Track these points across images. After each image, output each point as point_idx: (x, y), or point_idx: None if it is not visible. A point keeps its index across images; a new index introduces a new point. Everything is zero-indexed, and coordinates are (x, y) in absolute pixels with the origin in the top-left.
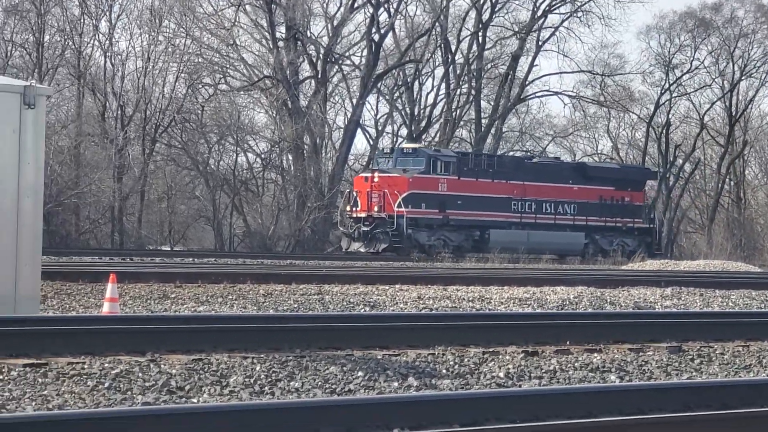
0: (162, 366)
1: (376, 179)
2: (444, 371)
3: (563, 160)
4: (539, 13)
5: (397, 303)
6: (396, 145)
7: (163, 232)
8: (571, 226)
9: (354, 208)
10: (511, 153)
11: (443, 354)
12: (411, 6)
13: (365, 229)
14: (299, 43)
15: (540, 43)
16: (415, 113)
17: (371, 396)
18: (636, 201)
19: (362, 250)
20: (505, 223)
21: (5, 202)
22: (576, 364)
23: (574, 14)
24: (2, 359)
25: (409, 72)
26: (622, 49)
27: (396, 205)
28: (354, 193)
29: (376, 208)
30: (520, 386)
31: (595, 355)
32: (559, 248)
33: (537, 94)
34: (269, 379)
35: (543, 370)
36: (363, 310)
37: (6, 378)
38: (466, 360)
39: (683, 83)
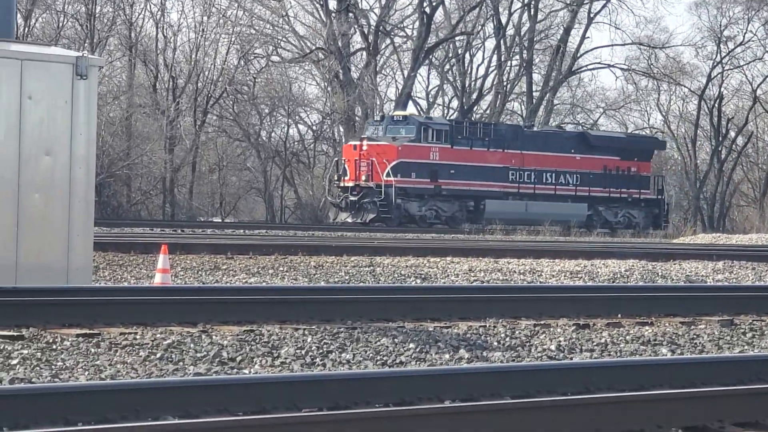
0: (214, 337)
1: (364, 147)
2: (495, 343)
3: (566, 129)
4: None
5: (448, 275)
6: (389, 113)
7: (214, 204)
8: (572, 197)
9: (343, 178)
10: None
11: (494, 326)
12: None
13: (353, 198)
14: (351, 14)
15: (591, 15)
16: (466, 86)
17: (423, 368)
18: (643, 171)
19: (349, 220)
20: (502, 194)
21: (58, 172)
22: (627, 337)
23: None
24: (56, 329)
25: (460, 44)
26: (673, 21)
27: (384, 174)
28: (343, 162)
29: (363, 177)
30: (571, 359)
31: (647, 328)
32: (560, 220)
33: (588, 67)
34: (320, 351)
35: (594, 343)
36: (414, 282)
37: (59, 348)
38: (517, 332)
39: (736, 56)
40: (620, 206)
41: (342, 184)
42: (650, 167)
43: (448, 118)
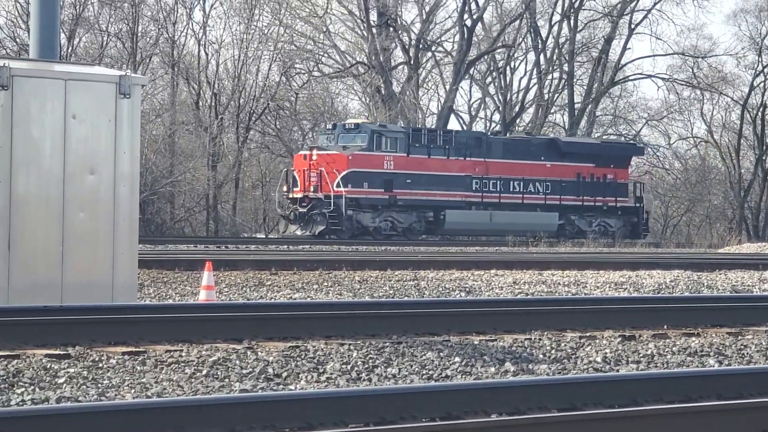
0: (259, 353)
1: (314, 157)
2: (541, 356)
3: (535, 136)
4: None
5: (492, 288)
6: (340, 122)
7: (257, 220)
8: (542, 206)
9: (294, 189)
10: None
11: (540, 339)
12: None
13: (302, 210)
14: (392, 29)
15: (632, 26)
16: (508, 98)
17: (468, 382)
18: (620, 178)
19: (298, 233)
20: (463, 203)
21: (102, 190)
22: (674, 349)
23: None
24: (102, 347)
25: (501, 57)
26: (712, 31)
27: (334, 184)
28: (293, 173)
29: (312, 188)
30: (617, 371)
31: (693, 339)
32: (528, 230)
33: (630, 78)
34: (366, 366)
35: (640, 355)
36: (459, 295)
37: (105, 366)
38: (562, 345)
39: None
40: (595, 215)
41: (291, 196)
42: (628, 174)
43: (403, 125)
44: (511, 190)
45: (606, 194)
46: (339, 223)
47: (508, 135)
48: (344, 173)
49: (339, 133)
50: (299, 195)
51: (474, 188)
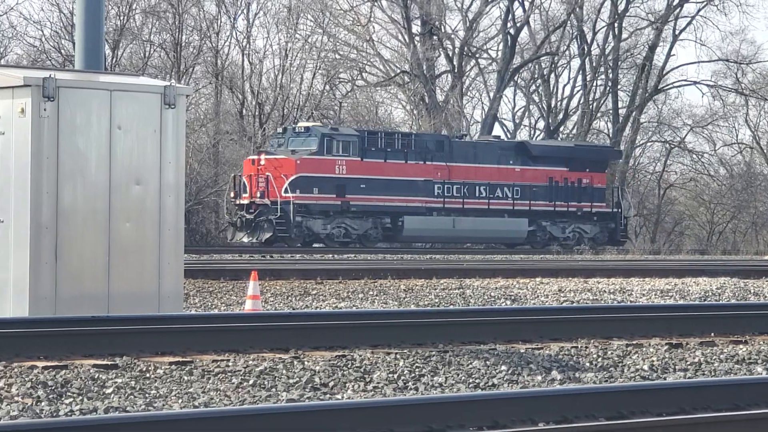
0: (306, 363)
1: (262, 162)
2: (587, 364)
3: (504, 139)
4: (675, 2)
5: (538, 296)
6: (289, 125)
7: None
8: (510, 212)
9: (242, 195)
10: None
11: (586, 347)
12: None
13: (249, 217)
14: (435, 37)
15: (676, 33)
16: (552, 105)
17: (515, 390)
18: (596, 183)
19: (245, 240)
20: (424, 209)
21: (148, 201)
22: (721, 356)
23: (711, 3)
24: (149, 357)
25: (546, 64)
26: (756, 36)
27: (282, 190)
28: (241, 179)
29: (258, 194)
30: (665, 379)
31: (741, 346)
32: (495, 237)
33: (674, 84)
34: (413, 375)
35: (688, 363)
36: (504, 303)
37: (153, 376)
38: (609, 353)
39: None
40: (569, 221)
41: (239, 202)
42: (605, 179)
43: (357, 128)
44: (477, 195)
45: (581, 199)
46: (287, 230)
47: (470, 139)
48: (292, 178)
49: (289, 137)
50: (246, 201)
51: (436, 193)
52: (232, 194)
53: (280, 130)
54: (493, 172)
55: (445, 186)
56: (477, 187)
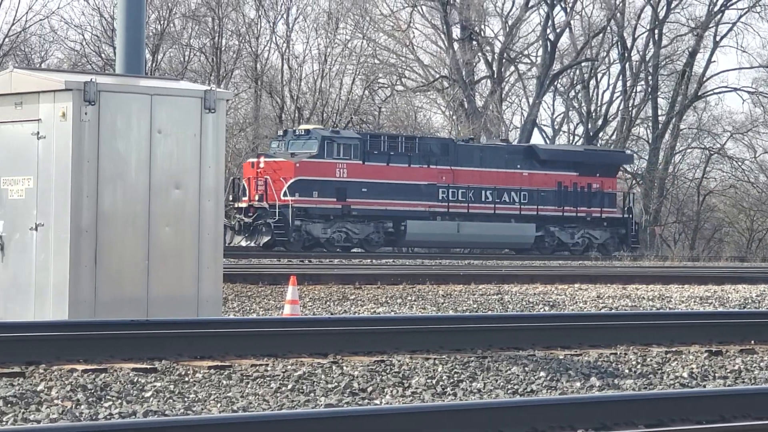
0: (344, 368)
1: (261, 165)
2: (626, 371)
3: (513, 143)
4: (716, 8)
5: (576, 302)
6: (291, 128)
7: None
8: (517, 217)
9: (242, 198)
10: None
11: (625, 354)
12: (587, 5)
13: (247, 220)
14: (475, 42)
15: (717, 39)
16: (591, 112)
17: (554, 396)
18: (607, 188)
19: (243, 243)
20: (427, 213)
21: (187, 205)
22: (761, 364)
23: (752, 9)
24: (188, 361)
25: (585, 70)
26: None
27: (281, 193)
28: (241, 182)
29: (257, 197)
30: (704, 386)
31: None
32: (501, 242)
33: (714, 91)
34: (451, 380)
35: (727, 370)
36: (543, 309)
37: (191, 380)
38: (648, 360)
39: None
40: (578, 226)
41: (237, 205)
42: (616, 183)
43: (359, 131)
44: (483, 199)
45: (591, 204)
46: (285, 234)
47: (482, 142)
48: (291, 181)
49: (289, 139)
50: (245, 204)
51: (440, 197)
52: (230, 197)
53: (280, 132)
54: (499, 177)
55: (450, 190)
56: (483, 192)
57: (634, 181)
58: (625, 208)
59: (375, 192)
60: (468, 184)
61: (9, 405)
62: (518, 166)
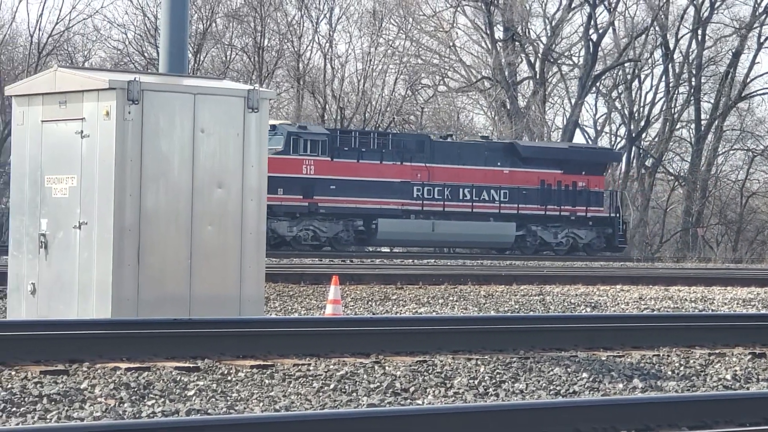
0: (386, 368)
1: None
2: (669, 373)
3: (493, 140)
4: (761, 9)
5: (618, 303)
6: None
7: None
8: (496, 215)
9: None
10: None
11: (668, 355)
12: (630, 5)
13: None
14: (517, 43)
15: (761, 40)
16: (634, 112)
17: (597, 398)
18: (593, 186)
19: None
20: (399, 212)
21: (230, 204)
22: None
23: None
24: (230, 360)
25: (628, 71)
26: None
27: None
28: None
29: None
30: (747, 389)
31: None
32: (479, 241)
33: (758, 92)
34: (493, 381)
35: None
36: (584, 310)
37: (234, 379)
38: (691, 361)
39: None
40: (562, 225)
41: None
42: (603, 182)
43: (328, 126)
44: (460, 198)
45: (576, 203)
46: None
47: (454, 139)
48: None
49: None
50: None
51: (414, 195)
52: None
53: None
54: (478, 174)
55: (425, 188)
56: (460, 190)
57: (676, 183)
58: (613, 207)
59: (344, 189)
60: (444, 181)
61: (53, 402)
62: (498, 164)
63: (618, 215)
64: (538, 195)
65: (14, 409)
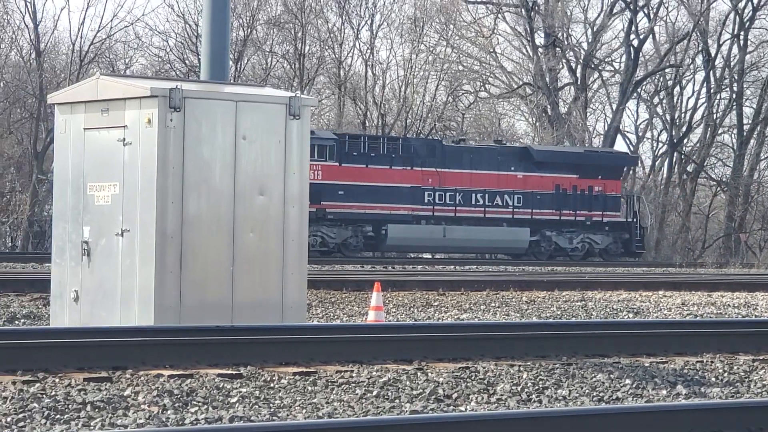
0: (429, 374)
1: None
2: (713, 379)
3: (507, 144)
4: None
5: (660, 309)
6: None
7: None
8: (509, 221)
9: None
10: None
11: (711, 361)
12: (671, 11)
13: None
14: (558, 49)
15: None
16: (675, 118)
17: (640, 404)
18: (610, 191)
19: None
20: (410, 217)
21: (272, 211)
22: None
23: None
24: (273, 367)
25: (669, 77)
26: None
27: None
28: None
29: None
30: None
31: None
32: (492, 247)
33: None
34: (536, 387)
35: None
36: (627, 316)
37: (277, 386)
38: (735, 368)
39: None
40: (577, 230)
41: None
42: (620, 186)
43: (336, 131)
44: (472, 203)
45: (591, 208)
46: None
47: (467, 144)
48: None
49: None
50: None
51: (426, 201)
52: None
53: None
54: (491, 179)
55: (436, 193)
56: (472, 195)
57: (719, 188)
58: (630, 212)
59: (352, 195)
60: (456, 186)
61: (97, 410)
62: (512, 168)
63: (635, 220)
64: (553, 200)
65: (58, 416)
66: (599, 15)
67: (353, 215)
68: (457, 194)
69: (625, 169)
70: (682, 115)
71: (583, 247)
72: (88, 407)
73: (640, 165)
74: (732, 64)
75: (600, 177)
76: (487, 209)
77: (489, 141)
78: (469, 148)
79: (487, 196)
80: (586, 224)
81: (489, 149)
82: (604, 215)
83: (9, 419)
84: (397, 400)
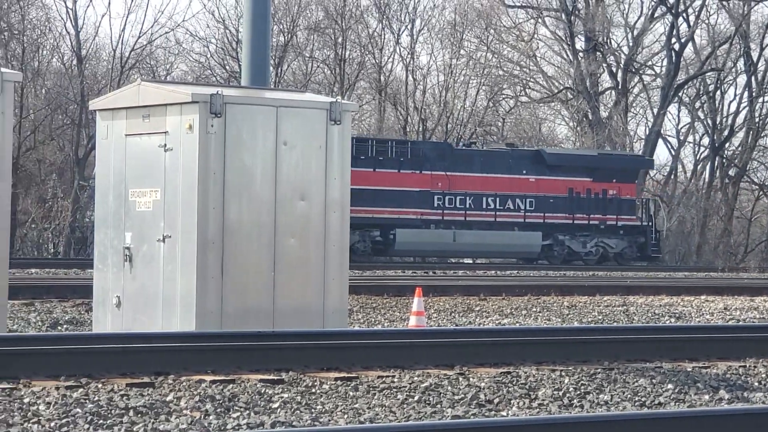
0: (471, 379)
1: None
2: (756, 384)
3: (519, 147)
4: None
5: (702, 314)
6: None
7: None
8: (521, 225)
9: None
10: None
11: (755, 366)
12: (712, 15)
13: None
14: (599, 53)
15: None
16: (717, 122)
17: (683, 409)
18: (625, 194)
19: None
20: (419, 222)
21: (313, 217)
22: None
23: None
24: (314, 372)
25: (711, 80)
26: None
27: None
28: None
29: None
30: None
31: None
32: (503, 251)
33: None
34: (578, 392)
35: None
36: (668, 321)
37: (318, 391)
38: None
39: None
40: (591, 234)
41: None
42: (635, 189)
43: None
44: (483, 207)
45: (606, 211)
46: None
47: (477, 147)
48: None
49: None
50: None
51: (435, 205)
52: None
53: None
54: (502, 183)
55: (446, 197)
56: (483, 199)
57: (761, 192)
58: (646, 215)
59: (360, 199)
60: (466, 190)
61: (139, 415)
62: (524, 172)
63: (651, 223)
64: (566, 203)
65: (101, 421)
66: (639, 18)
67: (361, 219)
68: (468, 198)
69: (641, 172)
70: (724, 119)
71: (597, 251)
72: (131, 412)
73: (681, 168)
74: None
75: (614, 180)
76: (498, 213)
77: (530, 144)
78: (479, 151)
79: (498, 199)
80: (600, 228)
81: (500, 152)
82: (619, 219)
83: (53, 424)
84: (439, 405)
